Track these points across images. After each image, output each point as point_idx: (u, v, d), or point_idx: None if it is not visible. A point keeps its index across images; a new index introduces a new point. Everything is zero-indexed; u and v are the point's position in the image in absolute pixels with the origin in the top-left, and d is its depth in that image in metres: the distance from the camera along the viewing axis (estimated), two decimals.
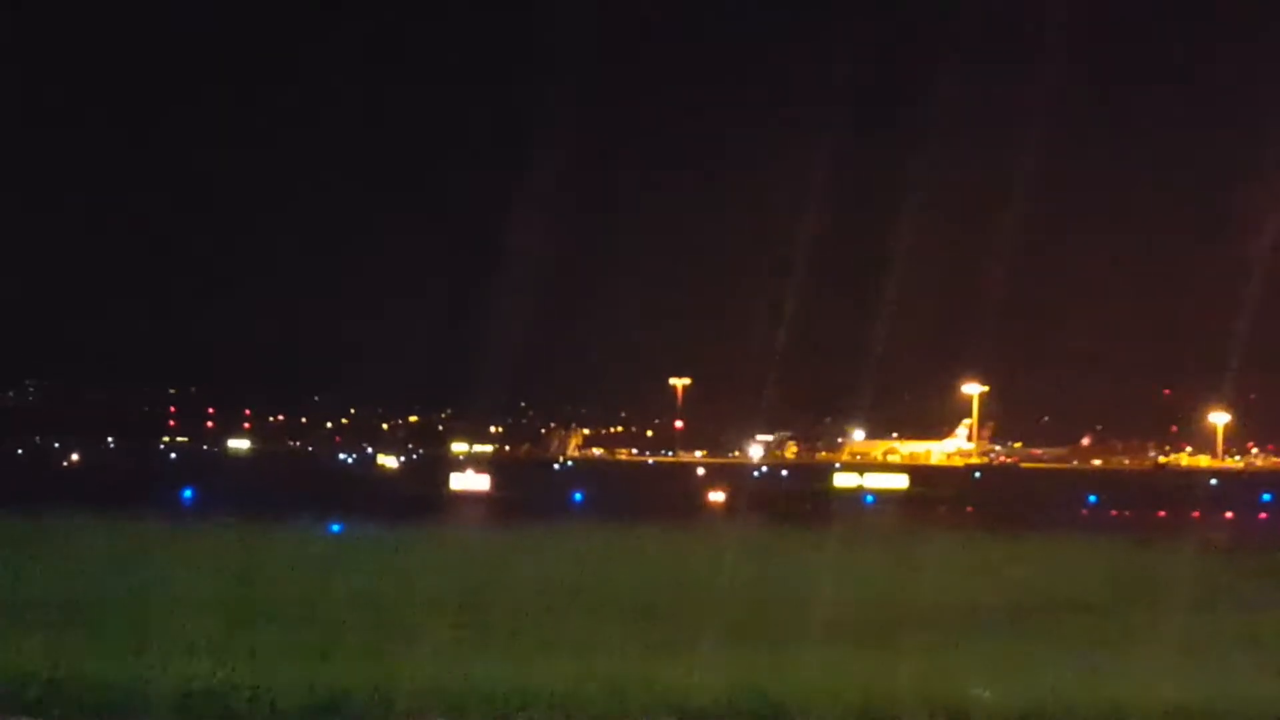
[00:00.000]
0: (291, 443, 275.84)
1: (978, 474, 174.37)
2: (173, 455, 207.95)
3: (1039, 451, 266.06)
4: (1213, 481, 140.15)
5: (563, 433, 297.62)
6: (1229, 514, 73.34)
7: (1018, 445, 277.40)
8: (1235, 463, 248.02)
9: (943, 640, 22.45)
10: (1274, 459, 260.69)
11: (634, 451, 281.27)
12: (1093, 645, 22.13)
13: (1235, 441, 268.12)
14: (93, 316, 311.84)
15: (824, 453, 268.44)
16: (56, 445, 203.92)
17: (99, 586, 26.73)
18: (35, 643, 18.70)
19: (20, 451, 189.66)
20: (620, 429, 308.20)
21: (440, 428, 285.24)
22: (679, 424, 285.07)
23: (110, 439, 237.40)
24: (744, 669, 18.43)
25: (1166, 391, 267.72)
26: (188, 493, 72.91)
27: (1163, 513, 74.41)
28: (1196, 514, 70.40)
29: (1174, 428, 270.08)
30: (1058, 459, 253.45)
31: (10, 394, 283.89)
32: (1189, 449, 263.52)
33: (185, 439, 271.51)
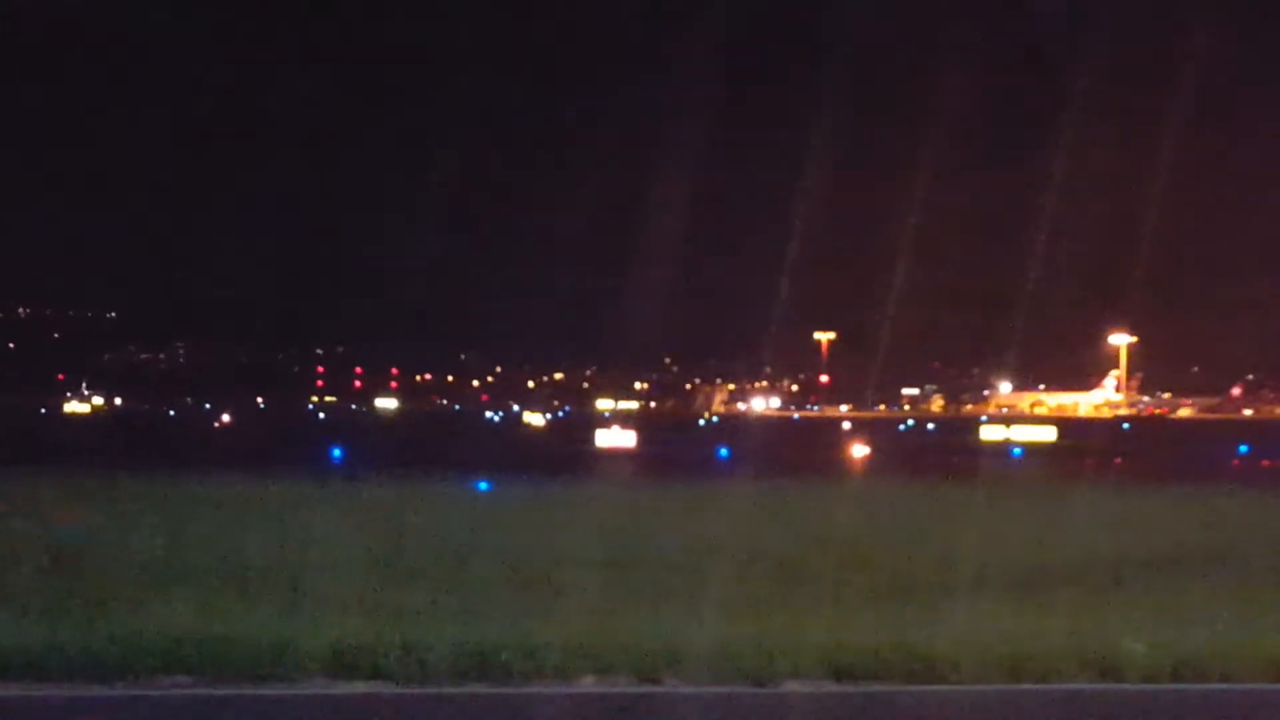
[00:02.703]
0: (438, 401, 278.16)
1: (1126, 425, 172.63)
2: (321, 415, 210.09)
3: (1189, 402, 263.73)
4: None
5: (707, 388, 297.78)
6: None
7: (1167, 396, 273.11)
8: None
9: (1094, 593, 22.30)
10: None
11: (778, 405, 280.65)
12: (1248, 598, 21.86)
13: None
14: (240, 277, 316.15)
15: (970, 405, 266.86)
16: (207, 406, 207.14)
17: (251, 547, 27.05)
18: (190, 603, 18.97)
19: (172, 413, 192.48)
20: (765, 384, 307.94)
21: (585, 385, 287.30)
22: (824, 378, 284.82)
23: (260, 399, 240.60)
24: (893, 625, 18.39)
25: None
26: (337, 452, 73.70)
27: None
28: None
29: None
30: (1208, 409, 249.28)
31: (161, 356, 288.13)
32: None
33: (333, 399, 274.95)
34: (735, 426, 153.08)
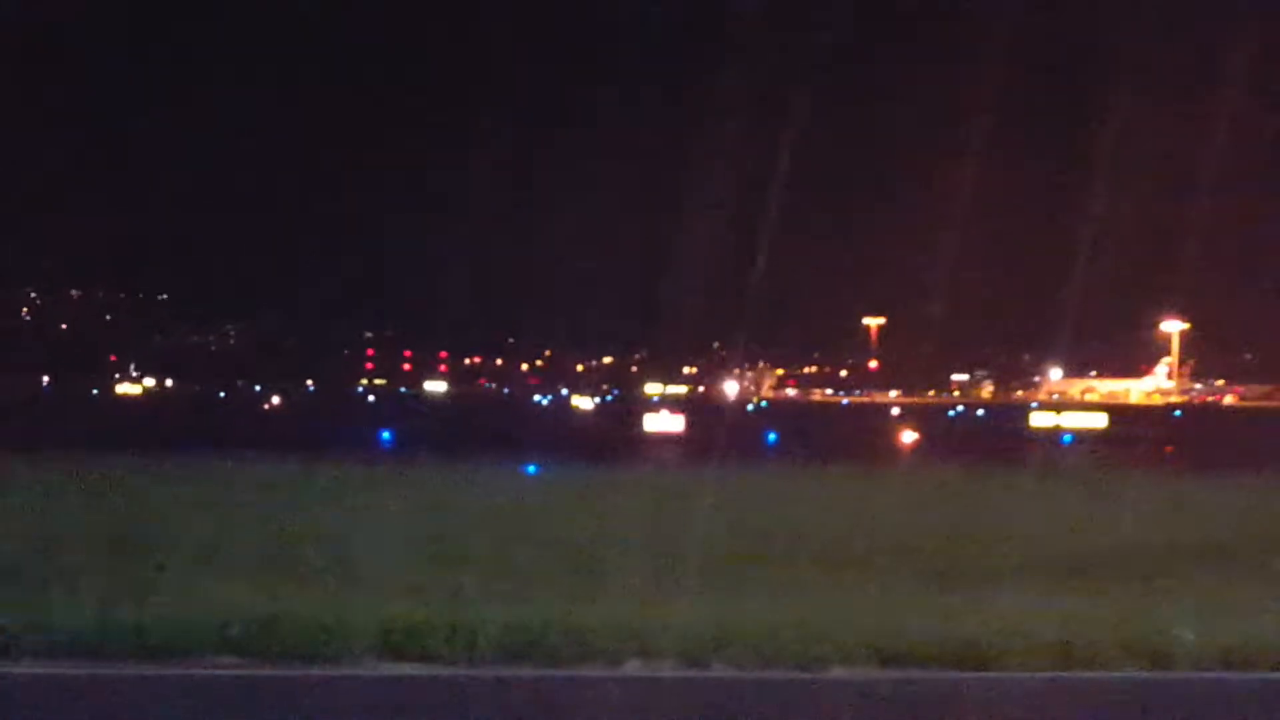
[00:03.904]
0: (487, 385, 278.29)
1: (1178, 413, 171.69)
2: (370, 397, 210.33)
3: (1242, 390, 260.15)
4: None
5: (755, 373, 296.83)
6: None
7: (1220, 383, 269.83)
8: None
9: (1143, 580, 22.23)
10: None
11: (828, 392, 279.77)
12: None
13: None
14: (291, 261, 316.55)
15: (1020, 392, 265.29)
16: (257, 388, 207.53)
17: (299, 528, 27.21)
18: (240, 584, 19.11)
19: (222, 395, 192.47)
20: (814, 369, 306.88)
21: (634, 369, 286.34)
22: (873, 363, 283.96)
23: (309, 382, 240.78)
24: (941, 611, 18.40)
25: None
26: (386, 434, 73.98)
27: None
28: None
29: None
30: (1261, 396, 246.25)
31: (211, 338, 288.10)
32: None
33: (382, 381, 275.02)
34: (783, 411, 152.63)
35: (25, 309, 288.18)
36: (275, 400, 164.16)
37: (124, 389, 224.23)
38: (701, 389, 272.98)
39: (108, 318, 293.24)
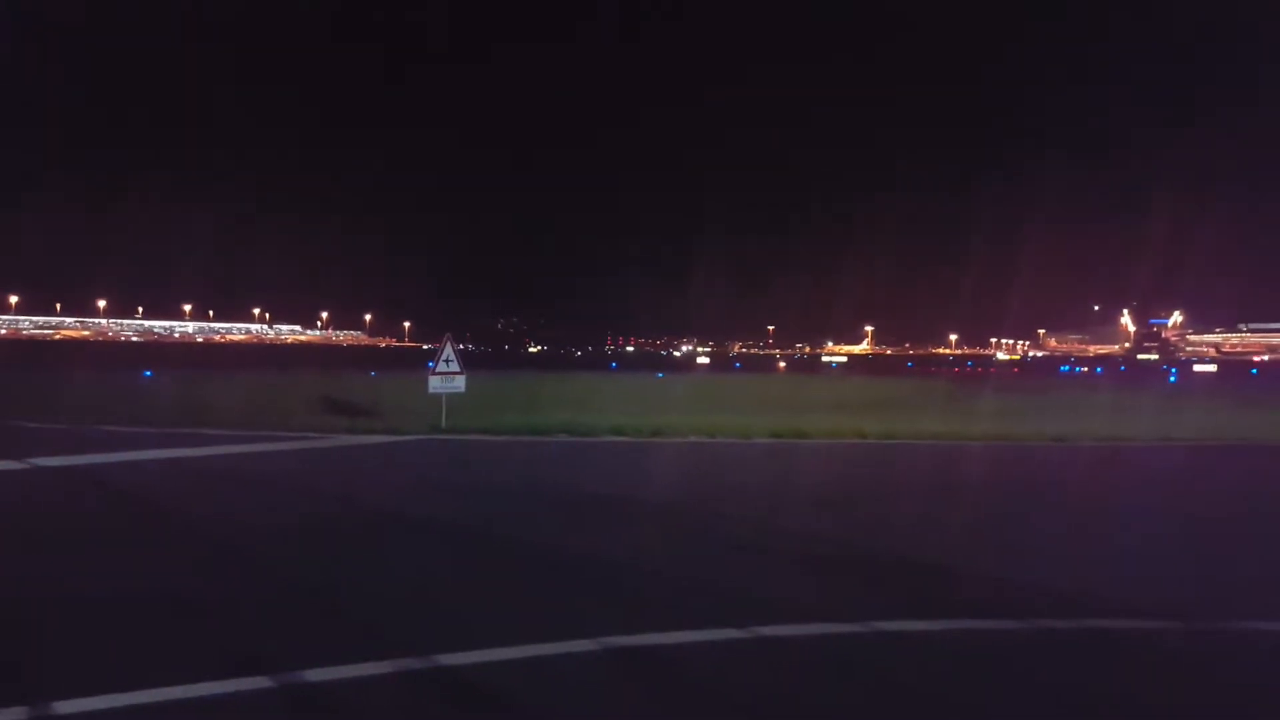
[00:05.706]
0: (646, 348, 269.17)
1: (870, 356, 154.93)
2: (610, 351, 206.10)
3: (890, 350, 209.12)
4: None
5: (731, 343, 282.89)
6: None
7: (884, 348, 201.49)
8: None
9: (855, 411, 20.78)
10: None
11: (756, 350, 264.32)
12: (932, 415, 20.52)
13: None
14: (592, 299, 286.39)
15: (820, 350, 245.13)
16: (571, 348, 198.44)
17: (578, 392, 26.07)
18: (565, 413, 18.00)
19: (577, 352, 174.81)
20: (752, 342, 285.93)
21: (693, 345, 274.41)
22: (770, 340, 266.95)
23: (589, 347, 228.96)
24: (787, 421, 17.22)
25: None
26: (614, 364, 74.64)
27: None
28: None
29: None
30: (901, 350, 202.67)
31: (555, 332, 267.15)
32: None
33: (612, 348, 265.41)
34: (740, 358, 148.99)
35: (503, 323, 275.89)
36: (578, 353, 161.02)
37: (531, 349, 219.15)
38: (714, 350, 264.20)
39: (524, 326, 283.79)
